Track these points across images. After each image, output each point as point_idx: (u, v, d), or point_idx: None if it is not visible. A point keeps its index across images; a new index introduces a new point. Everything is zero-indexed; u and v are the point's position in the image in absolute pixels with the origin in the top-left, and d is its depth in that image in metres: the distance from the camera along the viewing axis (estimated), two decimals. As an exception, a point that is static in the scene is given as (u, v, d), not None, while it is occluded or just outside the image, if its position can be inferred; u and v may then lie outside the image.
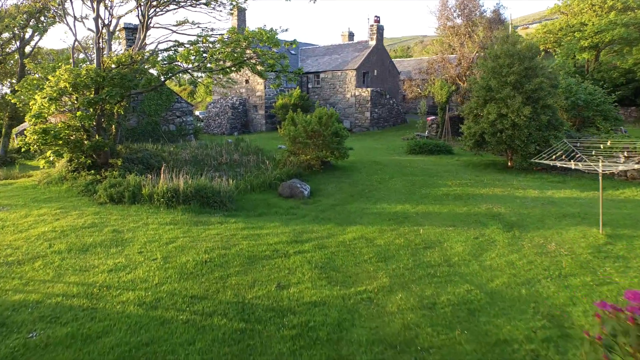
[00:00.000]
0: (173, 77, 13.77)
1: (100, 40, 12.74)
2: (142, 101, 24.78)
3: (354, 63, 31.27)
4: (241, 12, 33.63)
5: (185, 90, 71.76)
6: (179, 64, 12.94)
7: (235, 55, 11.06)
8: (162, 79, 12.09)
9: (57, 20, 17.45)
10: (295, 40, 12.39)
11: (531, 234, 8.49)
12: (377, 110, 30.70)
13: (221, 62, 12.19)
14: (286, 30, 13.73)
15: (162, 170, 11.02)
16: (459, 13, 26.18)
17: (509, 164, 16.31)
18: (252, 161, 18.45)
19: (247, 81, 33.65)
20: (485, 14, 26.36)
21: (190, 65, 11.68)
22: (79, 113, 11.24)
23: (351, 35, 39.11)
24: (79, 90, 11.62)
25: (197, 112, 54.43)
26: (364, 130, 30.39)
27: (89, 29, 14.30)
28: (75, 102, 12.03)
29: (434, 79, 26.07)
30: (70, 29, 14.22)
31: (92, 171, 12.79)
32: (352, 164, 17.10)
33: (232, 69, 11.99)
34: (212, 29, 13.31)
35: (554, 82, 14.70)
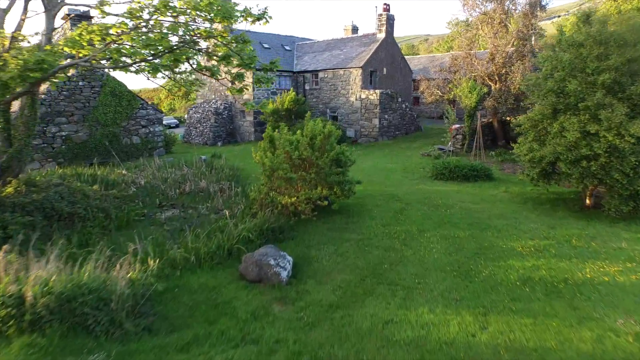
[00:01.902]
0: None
1: None
2: (95, 108, 19.83)
3: (359, 60, 26.20)
4: (226, 1, 28.62)
5: (180, 90, 66.68)
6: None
7: (151, 38, 6.04)
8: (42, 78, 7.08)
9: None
10: (265, 11, 7.14)
11: None
12: (388, 117, 25.61)
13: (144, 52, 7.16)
14: (264, 10, 8.51)
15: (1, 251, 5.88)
16: (490, -3, 21.02)
17: (587, 201, 11.23)
18: (225, 191, 13.57)
19: (232, 82, 28.57)
20: (521, -3, 21.20)
21: (83, 57, 6.69)
22: None
23: (355, 30, 34.05)
24: None
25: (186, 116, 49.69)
26: (371, 141, 25.30)
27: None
28: None
29: (459, 79, 20.95)
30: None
31: (-63, 233, 7.82)
32: (359, 199, 12.08)
33: (157, 62, 6.91)
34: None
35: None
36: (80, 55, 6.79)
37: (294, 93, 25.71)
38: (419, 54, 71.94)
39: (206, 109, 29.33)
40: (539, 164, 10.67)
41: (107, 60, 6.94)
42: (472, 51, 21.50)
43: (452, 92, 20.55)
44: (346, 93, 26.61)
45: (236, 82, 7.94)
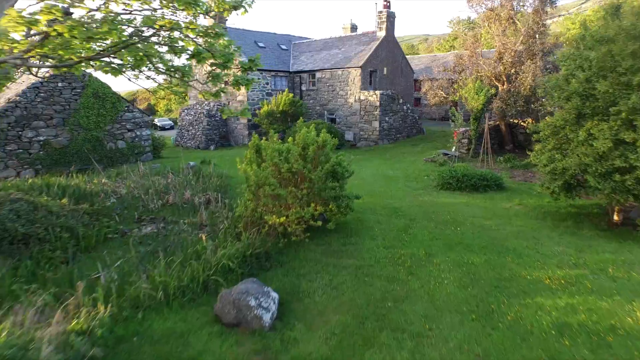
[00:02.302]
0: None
1: None
2: (77, 111, 18.56)
3: (359, 59, 24.95)
4: None
5: (168, 92, 64.99)
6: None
7: (93, 30, 4.77)
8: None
9: None
10: (242, -2, 5.88)
11: None
12: (388, 119, 24.36)
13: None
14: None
15: None
16: (497, -8, 19.76)
17: (615, 217, 9.98)
18: (211, 203, 12.37)
19: (226, 82, 27.33)
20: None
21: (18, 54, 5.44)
22: None
23: (354, 28, 32.85)
24: None
25: (179, 119, 48.60)
26: (371, 145, 24.05)
27: None
28: None
29: (465, 79, 19.71)
30: None
31: None
32: (358, 214, 10.87)
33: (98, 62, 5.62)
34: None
35: None
36: (16, 51, 5.52)
37: (289, 93, 24.46)
38: (419, 54, 70.73)
39: (198, 110, 28.07)
40: (561, 176, 9.42)
41: (48, 57, 5.67)
42: (478, 50, 20.24)
43: (458, 94, 19.29)
44: (345, 94, 25.36)
45: (210, 84, 6.65)
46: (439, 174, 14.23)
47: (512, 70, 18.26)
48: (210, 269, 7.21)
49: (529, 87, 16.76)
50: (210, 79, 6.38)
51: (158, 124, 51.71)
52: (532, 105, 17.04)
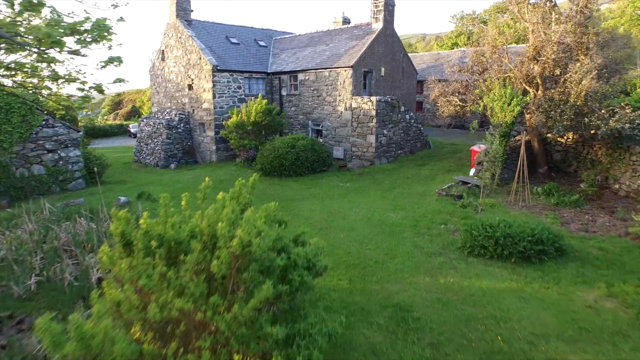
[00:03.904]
0: None
1: None
2: (-32, 128, 13.71)
3: (350, 57, 20.20)
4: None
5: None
6: None
7: None
8: None
9: None
10: None
11: None
12: (387, 132, 19.61)
13: None
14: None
15: None
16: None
17: None
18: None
19: (190, 86, 22.61)
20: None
21: None
22: None
23: (346, 22, 28.08)
24: None
25: (137, 129, 43.99)
26: (365, 165, 19.29)
27: None
28: None
29: (490, 83, 14.97)
30: None
31: None
32: (337, 322, 6.07)
33: None
34: None
35: None
36: None
37: (264, 101, 19.70)
38: (418, 52, 65.97)
39: (158, 120, 23.25)
40: None
41: None
42: (504, 46, 15.50)
43: (481, 102, 14.56)
44: (333, 100, 20.60)
45: None
46: (465, 228, 9.48)
47: (557, 71, 13.53)
48: None
49: (583, 93, 12.08)
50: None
51: (132, 130, 46.94)
52: (586, 119, 12.37)
